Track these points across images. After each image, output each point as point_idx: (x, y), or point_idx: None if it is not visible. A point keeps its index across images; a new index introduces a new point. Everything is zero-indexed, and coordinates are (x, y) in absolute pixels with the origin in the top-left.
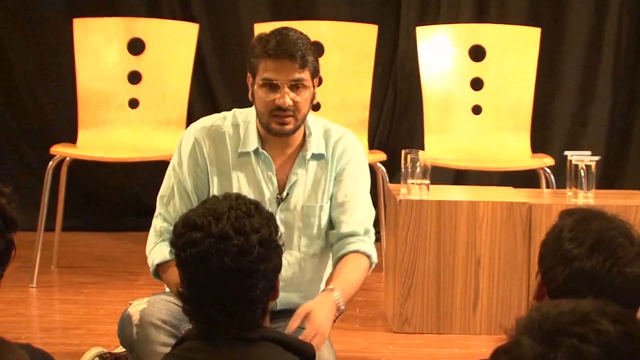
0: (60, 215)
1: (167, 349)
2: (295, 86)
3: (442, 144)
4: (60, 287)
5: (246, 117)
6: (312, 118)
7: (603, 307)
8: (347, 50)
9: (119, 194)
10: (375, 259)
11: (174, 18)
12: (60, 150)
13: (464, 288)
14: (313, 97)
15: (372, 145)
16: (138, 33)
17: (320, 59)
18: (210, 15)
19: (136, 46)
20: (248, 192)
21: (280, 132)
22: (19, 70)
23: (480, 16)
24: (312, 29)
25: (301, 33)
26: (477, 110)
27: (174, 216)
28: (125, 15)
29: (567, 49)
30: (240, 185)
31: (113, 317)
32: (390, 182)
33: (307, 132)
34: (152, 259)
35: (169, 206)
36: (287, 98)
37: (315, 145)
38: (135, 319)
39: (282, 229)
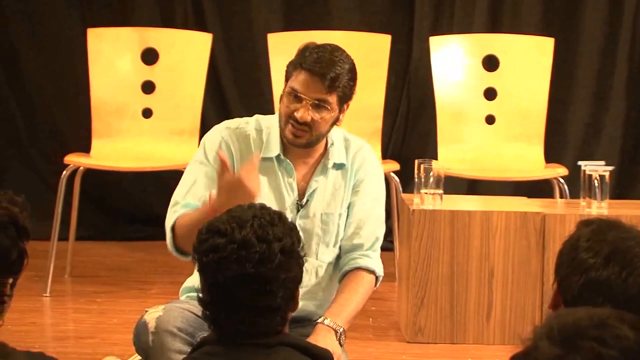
0: (73, 225)
1: (183, 357)
2: (318, 105)
3: (455, 153)
4: (74, 296)
5: (269, 124)
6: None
7: (622, 313)
8: (360, 60)
9: (133, 204)
10: (380, 272)
11: (188, 28)
12: (73, 159)
13: (477, 298)
14: (336, 120)
15: (386, 155)
16: (152, 43)
17: None
18: (224, 25)
19: (150, 56)
20: (269, 197)
21: (291, 141)
22: (33, 80)
23: (494, 26)
24: (325, 38)
25: (347, 56)
26: (490, 120)
27: (197, 201)
28: (139, 25)
29: (580, 57)
30: (263, 189)
31: (126, 326)
32: (404, 191)
33: (329, 141)
34: (167, 231)
35: (188, 195)
36: (307, 114)
37: (337, 154)
38: (151, 326)
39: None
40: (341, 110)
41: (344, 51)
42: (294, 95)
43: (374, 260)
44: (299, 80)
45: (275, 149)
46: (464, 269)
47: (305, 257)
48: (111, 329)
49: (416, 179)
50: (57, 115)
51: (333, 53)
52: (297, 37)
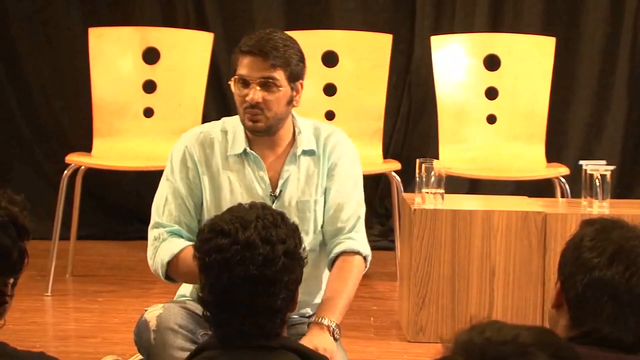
0: (75, 224)
1: (185, 354)
2: (266, 84)
3: (456, 153)
4: (75, 296)
5: (235, 123)
6: (301, 119)
7: (545, 339)
8: (362, 59)
9: (134, 203)
10: (365, 252)
11: (189, 27)
12: (75, 159)
13: (478, 297)
14: (291, 100)
15: (387, 154)
16: (153, 42)
17: (334, 68)
18: (225, 25)
19: (151, 55)
20: (240, 193)
21: (251, 128)
22: (35, 79)
23: (495, 25)
24: (327, 38)
25: (289, 37)
26: (491, 119)
27: (170, 222)
28: (141, 24)
29: (581, 57)
30: (232, 187)
31: (128, 325)
32: (405, 191)
33: (296, 130)
34: (159, 260)
35: (164, 214)
36: (256, 94)
37: (305, 142)
38: (153, 324)
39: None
40: (294, 89)
41: (283, 33)
42: (242, 81)
43: (357, 241)
44: (243, 64)
45: (240, 144)
46: (465, 268)
47: (306, 259)
48: (113, 328)
49: (417, 179)
50: (59, 114)
51: (271, 34)
52: (298, 36)
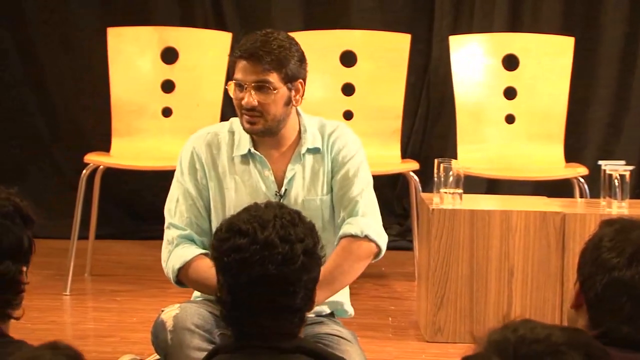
0: (93, 224)
1: (202, 354)
2: (260, 87)
3: (475, 153)
4: (94, 295)
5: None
6: (308, 117)
7: (577, 339)
8: (380, 59)
9: (152, 203)
10: (363, 232)
11: (207, 27)
12: (93, 158)
13: (497, 297)
14: (289, 100)
15: (405, 154)
16: (171, 42)
17: (352, 68)
18: (243, 24)
19: (170, 55)
20: (246, 194)
21: (249, 131)
22: (54, 79)
23: (514, 25)
24: (345, 38)
25: (286, 38)
26: (510, 119)
27: (182, 223)
28: (159, 24)
29: (600, 57)
30: (238, 187)
31: (146, 324)
32: (423, 191)
33: (302, 129)
34: (171, 266)
35: (176, 215)
36: (251, 98)
37: (310, 140)
38: (169, 324)
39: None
40: (292, 90)
41: (281, 33)
42: (238, 85)
43: (352, 224)
44: (239, 68)
45: (245, 145)
46: (484, 268)
47: (324, 258)
48: (131, 327)
49: (436, 179)
50: (78, 114)
51: (266, 35)
52: (316, 36)
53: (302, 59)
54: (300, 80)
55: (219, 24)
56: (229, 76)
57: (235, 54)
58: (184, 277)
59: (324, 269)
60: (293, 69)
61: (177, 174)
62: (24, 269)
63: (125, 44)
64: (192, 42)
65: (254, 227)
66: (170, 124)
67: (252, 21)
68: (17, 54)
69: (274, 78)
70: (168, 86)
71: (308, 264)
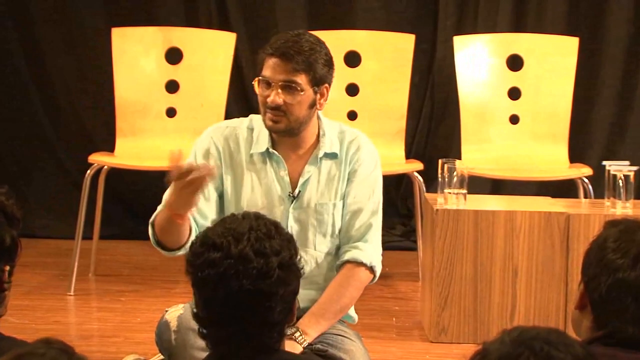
0: (98, 224)
1: (206, 354)
2: (288, 87)
3: (479, 153)
4: (98, 295)
5: (261, 121)
6: (328, 121)
7: (566, 336)
8: (384, 59)
9: (156, 203)
10: (372, 262)
11: (212, 27)
12: (98, 159)
13: (501, 298)
14: (314, 103)
15: (409, 154)
16: (176, 42)
17: (357, 68)
18: (248, 25)
19: (174, 55)
20: (260, 192)
21: (271, 128)
22: (58, 79)
23: (518, 25)
24: (349, 38)
25: (317, 40)
26: (514, 119)
27: None
28: (163, 24)
29: (605, 57)
30: (253, 185)
31: (150, 325)
32: (427, 191)
33: (320, 132)
34: (149, 223)
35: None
36: (277, 97)
37: (328, 144)
38: (173, 325)
39: (296, 227)
40: (318, 93)
41: (312, 35)
42: (265, 82)
43: (363, 251)
44: (267, 66)
45: (264, 143)
46: (488, 269)
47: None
48: (135, 327)
49: (440, 179)
50: (82, 114)
51: (298, 35)
52: (321, 36)
53: (330, 64)
54: (326, 85)
55: (224, 24)
56: (252, 73)
57: (267, 51)
58: (158, 231)
59: (330, 297)
60: (321, 73)
61: (187, 161)
62: (7, 268)
63: (130, 44)
64: (197, 42)
65: (228, 240)
66: (174, 124)
67: (256, 21)
68: (22, 54)
69: (302, 79)
70: (172, 86)
71: (285, 277)
